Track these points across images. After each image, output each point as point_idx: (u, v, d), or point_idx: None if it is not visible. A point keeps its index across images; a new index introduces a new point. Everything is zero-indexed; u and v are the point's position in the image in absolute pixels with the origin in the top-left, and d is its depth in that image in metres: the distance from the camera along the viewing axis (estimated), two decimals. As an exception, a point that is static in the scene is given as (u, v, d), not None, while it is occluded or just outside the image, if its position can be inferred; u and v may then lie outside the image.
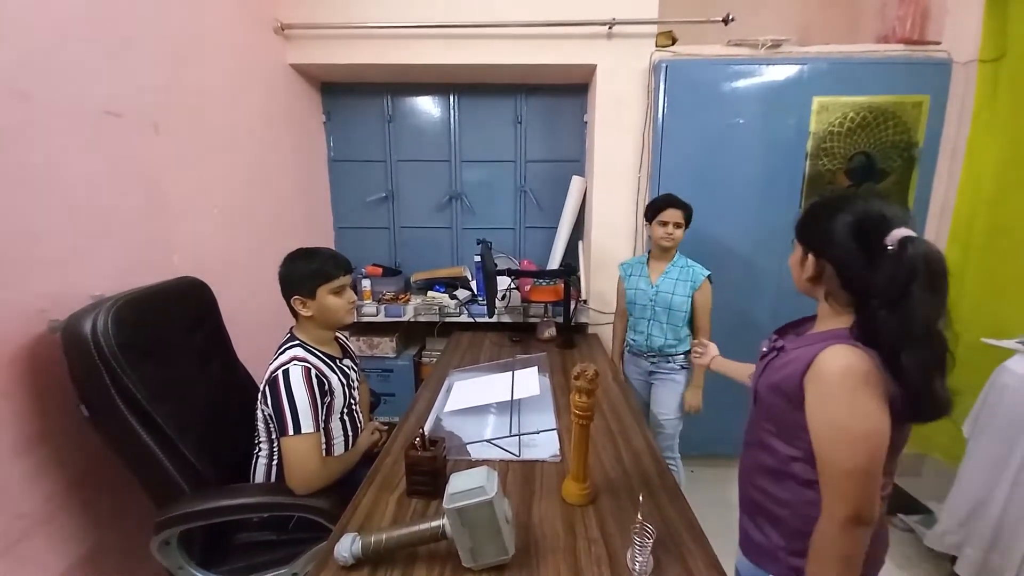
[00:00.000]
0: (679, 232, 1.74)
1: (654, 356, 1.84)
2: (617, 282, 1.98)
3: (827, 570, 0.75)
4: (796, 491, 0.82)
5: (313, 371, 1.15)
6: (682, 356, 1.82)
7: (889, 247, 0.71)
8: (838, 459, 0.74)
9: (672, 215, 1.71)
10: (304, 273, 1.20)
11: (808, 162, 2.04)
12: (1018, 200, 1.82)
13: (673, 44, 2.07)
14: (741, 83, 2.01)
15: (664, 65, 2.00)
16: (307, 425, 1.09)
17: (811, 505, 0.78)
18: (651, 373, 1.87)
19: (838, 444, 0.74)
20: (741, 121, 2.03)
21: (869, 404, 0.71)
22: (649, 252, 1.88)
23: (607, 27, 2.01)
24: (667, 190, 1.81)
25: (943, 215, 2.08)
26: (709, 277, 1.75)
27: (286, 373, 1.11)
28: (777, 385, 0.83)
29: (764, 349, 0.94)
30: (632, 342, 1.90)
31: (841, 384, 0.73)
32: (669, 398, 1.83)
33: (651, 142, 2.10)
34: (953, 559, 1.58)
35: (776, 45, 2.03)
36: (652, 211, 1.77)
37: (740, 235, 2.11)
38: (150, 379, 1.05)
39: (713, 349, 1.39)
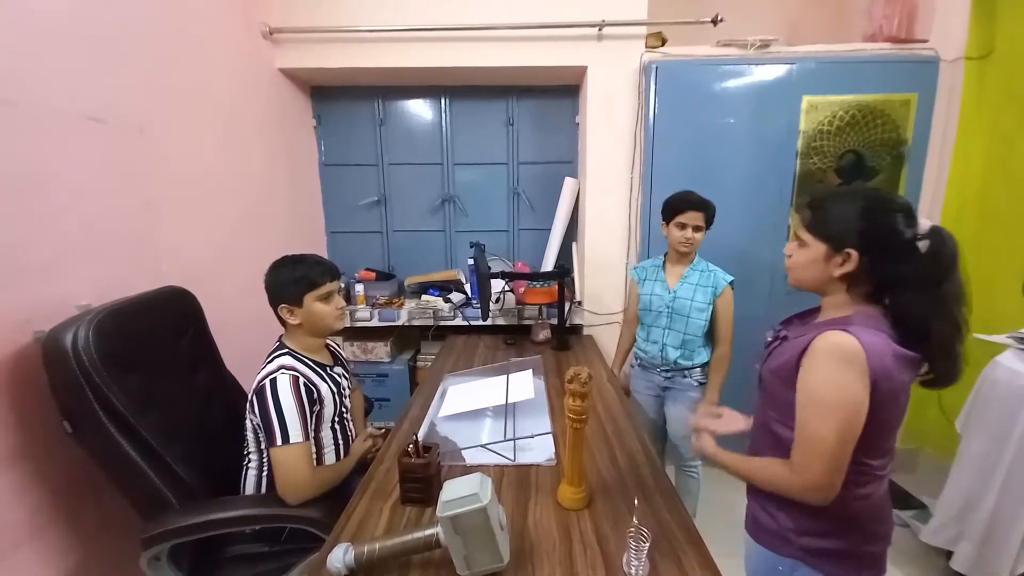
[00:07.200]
0: (699, 236, 1.59)
1: (668, 370, 1.69)
2: (629, 286, 1.82)
3: (756, 480, 0.88)
4: None
5: (301, 380, 1.13)
6: (699, 371, 1.67)
7: (920, 238, 0.77)
8: (811, 425, 0.78)
9: (691, 217, 1.56)
10: (289, 281, 1.19)
11: (798, 161, 2.05)
12: (1006, 196, 1.84)
13: (663, 45, 2.08)
14: (731, 83, 2.01)
15: (654, 66, 2.00)
16: (295, 434, 1.07)
17: None
18: (665, 389, 1.73)
19: (812, 411, 0.78)
20: (732, 121, 2.04)
21: (846, 378, 0.75)
22: (665, 255, 1.73)
23: (597, 29, 2.02)
24: (659, 190, 1.71)
25: (932, 212, 2.10)
26: (731, 283, 1.62)
27: (273, 382, 1.10)
28: (777, 369, 0.86)
29: (769, 338, 0.96)
30: (644, 353, 1.74)
31: (824, 358, 0.78)
32: (686, 415, 1.65)
33: (643, 142, 2.10)
34: (949, 554, 1.59)
35: (765, 45, 2.04)
36: (669, 211, 1.61)
37: (732, 234, 2.10)
38: (134, 391, 1.03)
39: (732, 418, 1.07)
